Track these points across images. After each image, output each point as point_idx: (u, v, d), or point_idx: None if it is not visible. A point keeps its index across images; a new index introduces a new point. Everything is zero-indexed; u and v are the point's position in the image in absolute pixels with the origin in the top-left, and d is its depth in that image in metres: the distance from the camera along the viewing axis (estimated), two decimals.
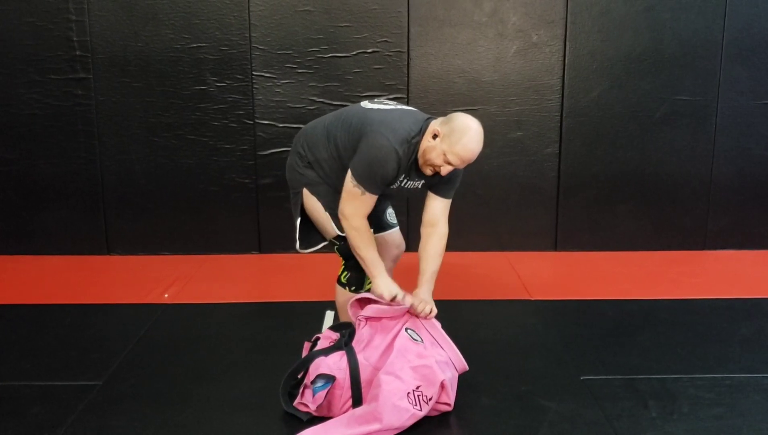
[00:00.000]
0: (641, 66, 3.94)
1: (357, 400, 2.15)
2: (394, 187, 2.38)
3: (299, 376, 2.21)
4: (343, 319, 2.42)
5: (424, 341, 2.22)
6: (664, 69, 3.94)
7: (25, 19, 3.80)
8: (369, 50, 3.84)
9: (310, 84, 3.89)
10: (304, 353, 2.33)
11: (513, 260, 3.96)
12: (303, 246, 2.56)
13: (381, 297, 2.28)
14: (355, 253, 2.35)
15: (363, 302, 2.32)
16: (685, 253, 4.11)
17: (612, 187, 4.08)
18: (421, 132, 2.30)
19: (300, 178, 2.48)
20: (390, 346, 2.20)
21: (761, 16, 3.89)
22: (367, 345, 2.22)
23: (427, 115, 2.41)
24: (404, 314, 2.29)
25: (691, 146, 4.04)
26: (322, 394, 2.12)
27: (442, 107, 3.89)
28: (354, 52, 3.85)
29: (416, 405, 2.07)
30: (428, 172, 2.33)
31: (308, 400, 2.17)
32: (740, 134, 4.03)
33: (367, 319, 2.26)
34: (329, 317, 2.96)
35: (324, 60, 3.86)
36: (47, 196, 4.00)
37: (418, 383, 2.10)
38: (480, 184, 4.04)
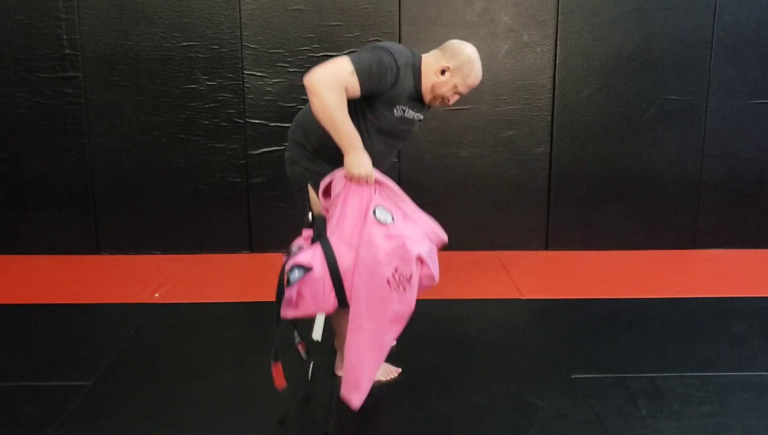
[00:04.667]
0: (631, 66, 3.95)
1: (340, 291, 2.10)
2: (397, 113, 2.29)
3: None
4: (334, 320, 2.41)
5: (395, 219, 2.14)
6: (654, 69, 3.96)
7: (14, 17, 3.78)
8: None
9: (301, 83, 3.86)
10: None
11: (504, 259, 3.97)
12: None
13: (353, 176, 2.14)
14: (330, 129, 2.14)
15: (328, 189, 2.22)
16: (674, 252, 4.13)
17: (602, 187, 4.10)
18: (420, 65, 2.30)
19: (303, 172, 2.39)
20: (364, 222, 2.12)
21: (750, 16, 3.91)
22: (342, 227, 2.14)
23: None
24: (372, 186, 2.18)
25: (681, 145, 4.06)
26: (295, 286, 2.07)
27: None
28: (345, 52, 3.84)
29: (399, 287, 2.05)
30: (436, 104, 2.38)
31: (291, 301, 2.10)
32: (730, 134, 4.05)
33: (335, 199, 2.17)
34: (320, 317, 2.94)
35: (315, 59, 3.85)
36: (37, 196, 3.98)
37: (395, 265, 2.06)
38: (471, 183, 4.05)
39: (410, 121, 2.38)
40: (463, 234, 4.11)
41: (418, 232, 2.16)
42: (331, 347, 2.54)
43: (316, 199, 2.38)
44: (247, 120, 3.93)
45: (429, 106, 2.46)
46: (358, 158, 2.14)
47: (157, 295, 3.37)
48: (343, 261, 2.11)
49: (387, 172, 2.29)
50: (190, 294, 3.38)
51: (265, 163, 3.96)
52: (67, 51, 3.82)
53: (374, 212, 2.13)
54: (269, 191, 3.99)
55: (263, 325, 2.99)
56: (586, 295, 3.37)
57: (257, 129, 3.94)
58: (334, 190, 2.20)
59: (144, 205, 4.01)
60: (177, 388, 2.38)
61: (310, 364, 2.46)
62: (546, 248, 4.17)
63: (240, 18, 3.82)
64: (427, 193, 4.04)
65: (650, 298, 3.31)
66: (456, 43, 2.34)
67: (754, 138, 4.06)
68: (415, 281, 2.09)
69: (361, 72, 2.15)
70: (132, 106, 3.90)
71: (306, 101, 2.29)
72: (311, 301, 2.11)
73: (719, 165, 4.09)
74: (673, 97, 3.99)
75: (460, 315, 3.10)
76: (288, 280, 2.09)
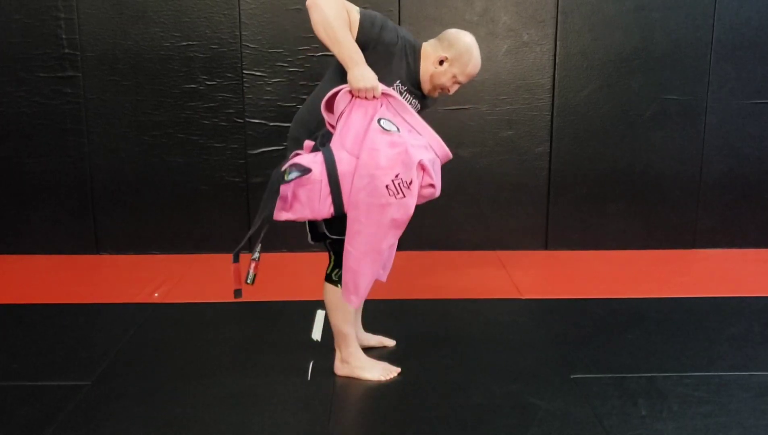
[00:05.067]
0: (631, 65, 3.95)
1: (337, 195, 2.09)
2: (394, 87, 2.27)
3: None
4: (333, 319, 2.40)
5: (400, 130, 2.13)
6: (653, 68, 3.95)
7: (13, 16, 3.77)
8: None
9: (301, 82, 3.88)
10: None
11: (504, 259, 3.97)
12: (314, 238, 2.53)
13: (358, 90, 2.10)
14: (329, 42, 2.11)
15: (331, 102, 2.18)
16: (674, 251, 4.13)
17: (602, 186, 4.10)
18: (420, 52, 2.31)
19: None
20: (367, 130, 2.10)
21: (750, 15, 3.91)
22: (345, 136, 2.12)
23: None
24: (378, 100, 2.15)
25: (681, 145, 4.06)
26: (290, 185, 2.05)
27: (433, 106, 3.88)
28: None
29: (399, 193, 2.05)
30: (436, 94, 2.40)
31: (286, 200, 2.09)
32: (729, 133, 4.05)
33: (340, 115, 2.15)
34: (320, 317, 2.95)
35: (315, 59, 3.85)
36: (36, 195, 3.98)
37: (396, 171, 2.05)
38: (471, 182, 4.05)
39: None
40: (463, 233, 4.11)
41: (421, 143, 2.15)
42: (330, 347, 2.53)
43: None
44: (247, 120, 3.92)
45: (431, 99, 2.45)
46: (362, 72, 2.10)
47: (156, 294, 3.36)
48: (342, 165, 2.09)
49: None
50: (190, 294, 3.38)
51: (264, 163, 3.96)
52: (66, 50, 3.82)
53: (379, 121, 2.11)
54: None
55: (263, 324, 3.00)
56: (586, 294, 3.37)
57: (257, 129, 3.93)
58: (338, 107, 2.14)
59: (143, 204, 4.01)
60: (176, 388, 2.38)
61: (310, 363, 2.46)
62: (545, 248, 4.17)
63: (239, 18, 3.82)
64: None
65: (650, 297, 3.31)
66: (453, 33, 2.33)
67: (754, 137, 4.06)
68: (415, 188, 2.08)
69: (363, 15, 2.17)
70: (131, 105, 3.89)
71: (305, 99, 2.28)
72: (307, 204, 2.09)
73: (719, 164, 4.09)
74: (673, 97, 3.99)
75: (459, 315, 3.10)
76: (284, 178, 2.04)
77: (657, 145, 4.05)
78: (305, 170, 2.06)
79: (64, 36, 3.80)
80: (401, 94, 2.32)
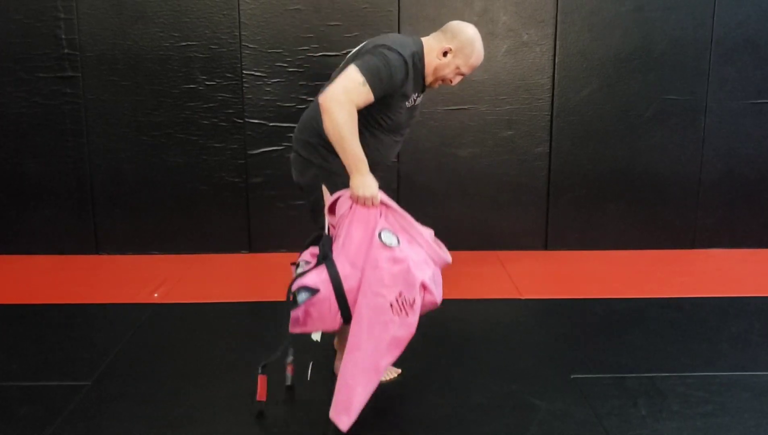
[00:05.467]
0: (631, 65, 3.95)
1: (345, 311, 2.12)
2: (409, 104, 2.31)
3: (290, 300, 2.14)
4: None
5: (400, 242, 2.15)
6: (653, 68, 3.96)
7: (13, 16, 3.77)
8: None
9: (300, 83, 3.88)
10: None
11: (503, 259, 3.97)
12: None
13: (358, 198, 2.16)
14: (338, 148, 2.16)
15: (333, 206, 2.24)
16: (674, 251, 4.13)
17: (602, 186, 4.10)
18: (422, 49, 2.31)
19: (318, 173, 2.36)
20: (370, 244, 2.13)
21: (750, 15, 3.91)
22: (348, 248, 2.15)
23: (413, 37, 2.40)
24: (377, 208, 2.19)
25: (681, 145, 4.06)
26: (302, 307, 2.09)
27: (432, 106, 3.89)
28: (344, 51, 3.83)
29: (402, 312, 2.06)
30: (436, 86, 2.39)
31: (299, 320, 2.13)
32: (729, 133, 4.05)
33: (340, 220, 2.19)
34: None
35: (314, 59, 3.85)
36: (35, 195, 3.98)
37: (399, 290, 2.07)
38: (470, 183, 4.05)
39: (416, 107, 2.39)
40: (463, 234, 4.11)
41: (422, 256, 2.18)
42: (330, 347, 2.54)
43: (327, 201, 2.37)
44: (246, 120, 3.92)
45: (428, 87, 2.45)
46: (363, 180, 2.16)
47: (156, 295, 3.36)
48: (348, 281, 2.12)
49: (387, 170, 2.29)
50: (190, 294, 3.38)
51: (264, 163, 3.96)
52: (65, 51, 3.82)
53: (380, 235, 2.15)
54: (268, 191, 3.99)
55: (263, 324, 3.00)
56: (586, 294, 3.37)
57: (256, 129, 3.93)
58: (340, 210, 2.21)
59: (143, 204, 4.01)
60: (176, 388, 2.38)
61: (310, 363, 2.46)
62: (545, 248, 4.17)
63: (239, 18, 3.82)
64: (426, 193, 4.04)
65: (650, 297, 3.31)
66: (456, 24, 2.35)
67: (754, 138, 4.06)
68: (417, 307, 2.10)
69: (372, 79, 2.15)
70: (131, 105, 3.89)
71: (308, 103, 2.28)
72: (318, 320, 2.13)
73: (718, 165, 4.09)
74: (673, 97, 3.99)
75: (459, 315, 3.10)
76: (295, 301, 2.10)
77: (657, 145, 4.05)
78: (314, 291, 2.10)
79: (63, 36, 3.80)
80: (415, 102, 2.33)
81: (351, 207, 2.18)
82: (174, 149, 3.95)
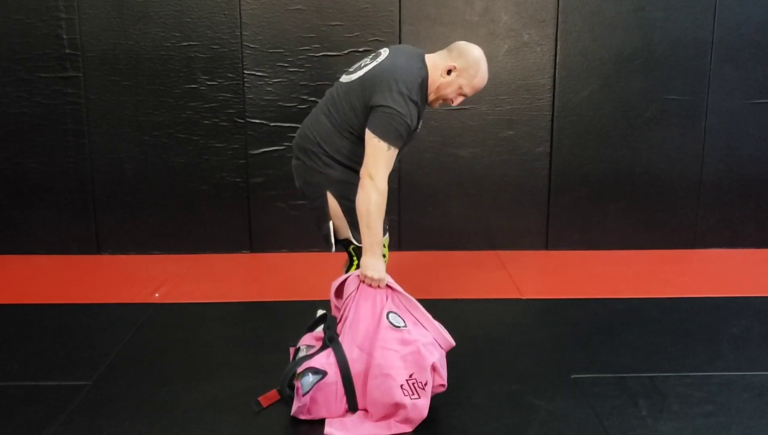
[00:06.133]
0: (631, 65, 3.95)
1: (351, 396, 2.13)
2: (417, 133, 2.36)
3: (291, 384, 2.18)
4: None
5: (407, 324, 2.17)
6: (654, 68, 3.95)
7: (14, 16, 3.78)
8: (360, 49, 3.84)
9: (302, 83, 3.88)
10: (291, 358, 2.31)
11: (504, 259, 3.97)
12: (339, 248, 2.55)
13: (366, 278, 2.20)
14: (362, 223, 2.21)
15: (340, 289, 2.28)
16: (674, 251, 4.13)
17: (602, 186, 4.10)
18: (427, 70, 2.32)
19: (323, 178, 2.38)
20: (378, 326, 2.15)
21: (751, 16, 3.91)
22: (355, 329, 2.17)
23: (417, 50, 2.41)
24: (384, 290, 2.23)
25: (681, 145, 4.06)
26: (310, 392, 2.09)
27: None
28: (345, 51, 3.85)
29: (413, 394, 2.06)
30: (437, 105, 2.41)
31: (301, 403, 2.14)
32: (730, 134, 4.05)
33: (347, 300, 2.22)
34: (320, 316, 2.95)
35: (315, 59, 3.86)
36: (36, 195, 3.98)
37: (410, 371, 2.08)
38: (471, 183, 4.05)
39: (418, 127, 2.40)
40: (463, 234, 4.11)
41: (429, 339, 2.19)
42: None
43: (336, 207, 2.38)
44: (248, 120, 3.93)
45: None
46: (374, 262, 2.20)
47: (157, 295, 3.37)
48: (356, 365, 2.13)
49: None
50: (191, 294, 3.38)
51: (265, 163, 3.96)
52: (67, 51, 3.82)
53: (387, 316, 2.16)
54: (269, 191, 3.99)
55: (264, 325, 3.00)
56: (586, 294, 3.37)
57: (257, 129, 3.94)
58: (347, 291, 2.24)
59: (144, 204, 4.01)
60: (177, 388, 2.38)
61: None
62: (546, 248, 4.17)
63: (240, 18, 3.82)
64: (427, 192, 4.04)
65: (650, 297, 3.31)
66: (463, 45, 2.35)
67: (754, 138, 4.06)
68: (429, 389, 2.10)
69: (395, 141, 2.21)
70: (132, 105, 3.90)
71: (309, 103, 2.29)
72: (323, 405, 2.13)
73: (719, 165, 4.09)
74: (673, 97, 3.99)
75: (459, 315, 3.09)
76: (301, 385, 2.10)
77: (657, 145, 4.05)
78: (322, 374, 2.10)
79: (64, 36, 3.80)
80: (419, 125, 2.35)
81: (357, 287, 2.21)
82: (175, 149, 3.95)
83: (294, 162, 2.47)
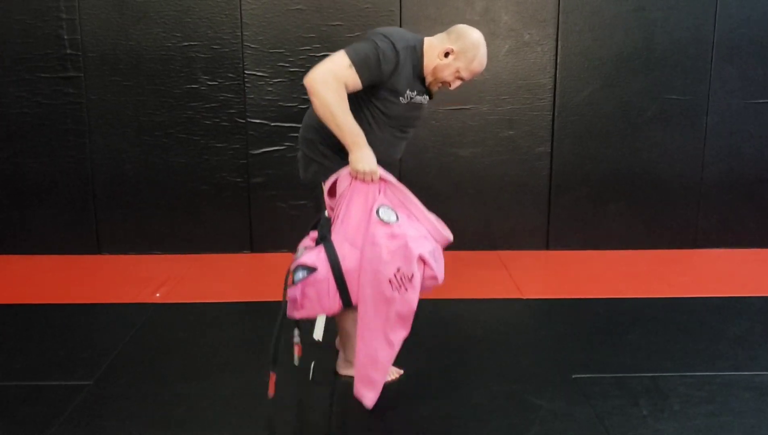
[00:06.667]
0: (632, 65, 3.95)
1: (344, 292, 2.12)
2: (404, 100, 2.28)
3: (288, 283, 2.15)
4: (340, 319, 2.40)
5: (399, 218, 2.15)
6: (654, 68, 3.95)
7: (15, 17, 3.78)
8: None
9: (302, 83, 3.86)
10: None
11: (505, 259, 3.97)
12: None
13: (357, 173, 2.15)
14: (332, 126, 2.13)
15: (333, 188, 2.23)
16: (675, 251, 4.13)
17: (603, 186, 4.10)
18: (422, 47, 2.29)
19: (318, 169, 2.36)
20: (368, 222, 2.13)
21: (751, 15, 3.91)
22: (346, 226, 2.15)
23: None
24: (377, 184, 2.19)
25: (682, 145, 4.05)
26: (299, 286, 2.08)
27: (434, 105, 3.89)
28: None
29: (401, 288, 2.06)
30: (435, 88, 2.37)
31: (296, 301, 2.12)
32: (731, 133, 4.05)
33: (340, 198, 2.19)
34: (322, 317, 2.95)
35: (316, 59, 3.84)
36: (37, 195, 3.98)
37: (397, 265, 2.07)
38: (472, 182, 4.05)
39: (418, 106, 2.36)
40: (464, 234, 4.10)
41: (421, 232, 2.17)
42: (331, 347, 2.54)
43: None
44: (248, 120, 3.93)
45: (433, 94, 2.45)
46: (362, 154, 2.14)
47: (158, 295, 3.37)
48: (347, 261, 2.11)
49: (388, 170, 2.29)
50: (191, 294, 3.38)
51: (266, 163, 3.96)
52: (68, 51, 3.82)
53: (377, 212, 2.14)
54: (270, 191, 3.99)
55: (264, 324, 2.99)
56: (587, 294, 3.37)
57: (258, 129, 3.94)
58: (339, 189, 2.20)
59: (145, 204, 4.01)
60: (178, 388, 2.38)
61: (311, 363, 2.46)
62: (546, 248, 4.17)
63: (241, 18, 3.82)
64: (427, 192, 4.02)
65: (651, 297, 3.31)
66: (462, 27, 2.32)
67: (755, 137, 4.06)
68: (416, 282, 2.09)
69: (359, 64, 2.14)
70: (133, 105, 3.90)
71: (308, 101, 2.28)
72: (316, 301, 2.12)
73: (720, 164, 4.09)
74: (674, 97, 3.99)
75: (460, 315, 3.10)
76: (292, 280, 2.10)
77: (658, 145, 4.05)
78: (311, 270, 2.09)
79: (65, 36, 3.81)
80: (410, 99, 2.31)
81: (350, 184, 2.17)
82: (176, 149, 3.95)
83: (299, 153, 2.47)
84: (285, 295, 2.15)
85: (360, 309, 2.14)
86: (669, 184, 4.10)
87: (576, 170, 4.07)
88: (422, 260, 2.11)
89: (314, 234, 2.26)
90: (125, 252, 4.05)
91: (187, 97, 3.90)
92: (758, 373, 2.50)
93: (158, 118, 3.91)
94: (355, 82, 2.15)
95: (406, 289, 2.07)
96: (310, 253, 2.14)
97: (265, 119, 3.92)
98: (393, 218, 2.14)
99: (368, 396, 2.17)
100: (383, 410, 2.26)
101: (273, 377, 2.16)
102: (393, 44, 2.20)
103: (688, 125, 4.03)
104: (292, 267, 2.12)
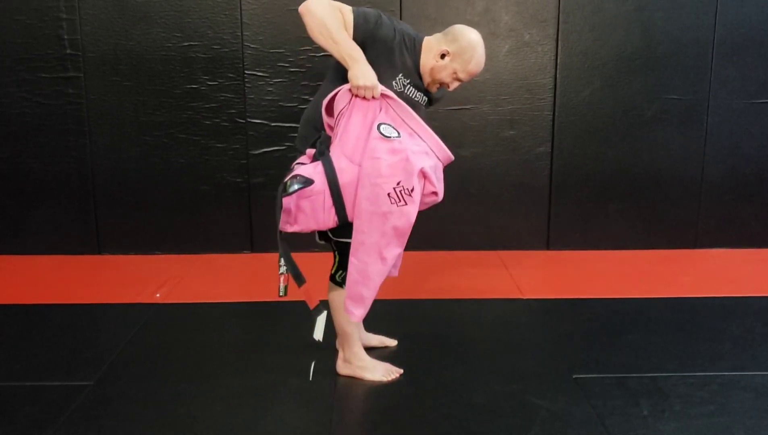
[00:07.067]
0: (632, 65, 3.95)
1: (339, 206, 2.11)
2: (397, 87, 2.27)
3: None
4: (337, 319, 2.40)
5: (400, 134, 2.13)
6: (655, 68, 3.95)
7: (15, 17, 3.78)
8: None
9: (303, 83, 3.88)
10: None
11: (505, 259, 3.97)
12: (322, 237, 2.54)
13: (358, 88, 2.11)
14: (327, 43, 2.11)
15: (330, 105, 2.20)
16: (676, 251, 4.13)
17: (603, 186, 4.10)
18: (421, 44, 2.29)
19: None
20: (368, 137, 2.11)
21: (751, 15, 3.91)
22: (345, 141, 2.13)
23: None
24: (378, 102, 2.16)
25: (682, 145, 4.05)
26: (294, 197, 2.08)
27: (434, 106, 3.88)
28: None
29: (400, 201, 2.05)
30: (434, 89, 2.37)
31: (290, 213, 2.11)
32: (731, 133, 4.05)
33: (338, 115, 2.16)
34: (322, 316, 2.95)
35: (316, 59, 3.86)
36: (38, 196, 3.98)
37: (398, 179, 2.06)
38: (472, 182, 4.05)
39: (414, 103, 2.34)
40: (464, 233, 4.11)
41: (423, 148, 2.15)
42: (331, 347, 2.54)
43: None
44: (248, 120, 3.93)
45: (433, 98, 2.45)
46: (362, 69, 2.10)
47: (158, 295, 3.37)
48: (344, 175, 2.10)
49: None
50: (192, 294, 3.38)
51: (266, 163, 3.96)
52: (68, 51, 3.82)
53: (378, 127, 2.11)
54: (270, 191, 3.99)
55: (265, 324, 3.00)
56: (588, 294, 3.37)
57: (258, 129, 3.94)
58: (338, 106, 2.16)
59: (145, 205, 4.01)
60: (178, 388, 2.38)
61: (312, 363, 2.46)
62: (547, 248, 4.17)
63: (241, 18, 3.82)
64: None
65: (652, 297, 3.31)
66: (459, 28, 2.30)
67: (756, 137, 4.06)
68: (416, 195, 2.08)
69: (357, 13, 2.15)
70: (133, 106, 3.90)
71: (308, 101, 2.28)
72: (311, 215, 2.11)
73: (720, 164, 4.09)
74: (674, 97, 3.99)
75: (460, 315, 3.10)
76: (286, 190, 2.08)
77: (658, 144, 4.05)
78: (307, 181, 2.08)
79: (65, 37, 3.81)
80: (404, 88, 2.30)
81: (350, 101, 2.14)
82: (176, 149, 3.95)
83: (298, 153, 2.47)
84: (279, 207, 2.12)
85: (355, 224, 2.13)
86: (669, 184, 4.10)
87: (576, 170, 4.07)
88: (423, 174, 2.09)
89: (311, 151, 2.24)
90: (126, 252, 4.05)
91: (187, 97, 3.90)
92: (759, 373, 2.50)
93: (158, 118, 3.91)
94: (348, 24, 2.13)
95: (405, 203, 2.06)
96: (307, 167, 2.13)
97: (265, 119, 3.92)
98: (395, 134, 2.11)
99: (357, 312, 2.19)
100: (383, 410, 2.26)
101: (308, 290, 2.14)
102: (393, 26, 2.22)
103: (689, 125, 4.03)
104: (287, 178, 2.10)
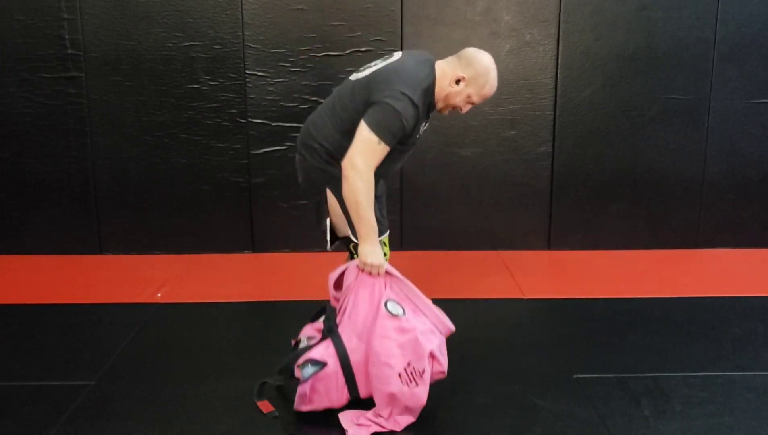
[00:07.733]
0: (634, 65, 3.94)
1: (352, 385, 2.13)
2: (418, 135, 2.35)
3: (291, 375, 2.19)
4: None
5: (406, 312, 2.17)
6: (656, 68, 3.95)
7: (16, 17, 3.78)
8: (362, 49, 3.84)
9: (304, 83, 3.88)
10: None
11: (506, 259, 3.96)
12: (334, 241, 2.56)
13: (365, 265, 2.20)
14: (352, 213, 2.22)
15: (340, 280, 2.28)
16: (677, 251, 4.12)
17: (604, 186, 4.09)
18: (434, 78, 2.31)
19: (323, 175, 2.40)
20: (376, 315, 2.15)
21: (753, 15, 3.90)
22: (354, 319, 2.17)
23: (428, 56, 2.39)
24: (383, 278, 2.23)
25: (684, 145, 4.05)
26: (309, 381, 2.10)
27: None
28: (347, 51, 3.84)
29: (411, 382, 2.06)
30: (446, 112, 2.41)
31: (301, 391, 2.14)
32: (732, 133, 4.05)
33: (347, 290, 2.22)
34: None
35: (317, 59, 3.85)
36: (39, 196, 3.98)
37: (408, 359, 2.08)
38: (473, 182, 4.04)
39: (424, 129, 2.40)
40: (465, 234, 4.11)
41: (428, 326, 2.18)
42: None
43: (335, 205, 2.38)
44: (249, 120, 3.92)
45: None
46: (372, 248, 2.19)
47: (159, 295, 3.37)
48: (355, 355, 2.13)
49: (386, 179, 2.31)
50: (193, 294, 3.38)
51: (267, 163, 3.96)
52: (69, 51, 3.82)
53: (386, 305, 2.16)
54: (271, 191, 3.99)
55: (266, 324, 3.00)
56: (589, 294, 3.37)
57: (259, 129, 3.94)
58: (346, 281, 2.24)
59: (146, 205, 4.01)
60: (179, 388, 2.38)
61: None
62: (548, 248, 4.16)
63: (242, 18, 3.82)
64: (429, 192, 4.04)
65: (653, 297, 3.31)
66: (472, 52, 2.33)
67: (757, 137, 4.06)
68: (427, 377, 2.10)
69: (386, 136, 2.18)
70: (134, 106, 3.90)
71: (314, 106, 2.29)
72: (325, 395, 2.14)
73: (721, 164, 4.08)
74: (676, 97, 3.99)
75: (461, 315, 3.07)
76: (302, 375, 2.12)
77: (660, 144, 4.04)
78: (321, 365, 2.11)
79: (67, 36, 3.81)
80: (422, 129, 2.35)
81: (357, 277, 2.22)
82: (177, 149, 3.95)
83: (297, 157, 2.47)
84: (288, 365, 2.18)
85: (375, 398, 2.14)
86: (670, 184, 4.09)
87: (577, 170, 4.07)
88: (432, 356, 2.12)
89: (318, 324, 2.29)
90: (127, 252, 4.05)
91: (188, 97, 3.90)
92: (760, 373, 2.50)
93: (159, 118, 3.91)
94: (385, 152, 2.21)
95: (417, 384, 2.08)
96: (318, 347, 2.15)
97: (266, 119, 3.92)
98: (400, 312, 2.17)
99: None
100: None
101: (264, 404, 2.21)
102: (411, 100, 2.21)
103: (690, 125, 4.03)
104: (300, 361, 2.14)
